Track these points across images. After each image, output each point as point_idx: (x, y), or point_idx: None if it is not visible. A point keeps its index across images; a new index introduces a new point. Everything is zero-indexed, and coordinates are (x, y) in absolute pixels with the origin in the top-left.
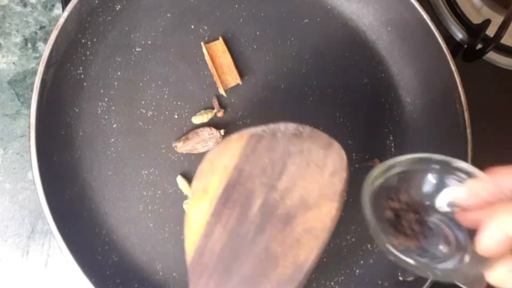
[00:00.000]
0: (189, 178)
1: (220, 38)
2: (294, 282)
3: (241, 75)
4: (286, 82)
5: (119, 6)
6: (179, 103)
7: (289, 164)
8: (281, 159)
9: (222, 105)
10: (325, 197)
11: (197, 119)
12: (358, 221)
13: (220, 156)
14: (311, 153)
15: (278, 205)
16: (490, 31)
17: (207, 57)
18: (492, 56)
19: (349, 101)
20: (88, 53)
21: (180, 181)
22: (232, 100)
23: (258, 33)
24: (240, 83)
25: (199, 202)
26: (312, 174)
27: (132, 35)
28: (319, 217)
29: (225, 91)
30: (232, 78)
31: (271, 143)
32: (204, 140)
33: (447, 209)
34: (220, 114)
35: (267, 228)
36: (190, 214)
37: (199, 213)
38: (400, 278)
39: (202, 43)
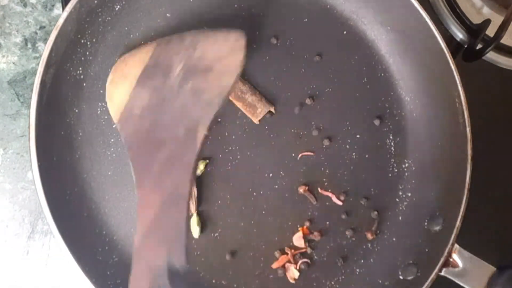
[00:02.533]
0: None
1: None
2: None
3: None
4: (286, 82)
5: (118, 6)
6: None
7: (198, 47)
8: (191, 45)
9: None
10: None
11: None
12: (358, 221)
13: (134, 55)
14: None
15: (197, 64)
16: (490, 31)
17: (231, 99)
18: (492, 56)
19: (349, 100)
20: (87, 53)
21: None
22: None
23: (257, 32)
24: (273, 110)
25: (120, 82)
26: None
27: (132, 35)
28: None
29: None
30: (261, 107)
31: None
32: None
33: None
34: None
35: (190, 78)
36: (110, 92)
37: (121, 89)
38: (401, 277)
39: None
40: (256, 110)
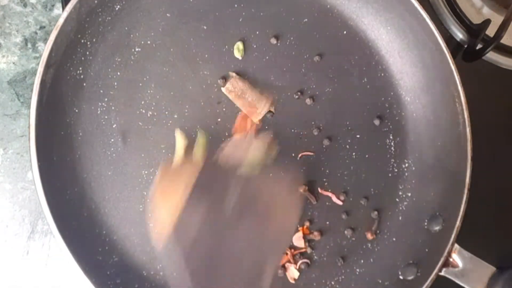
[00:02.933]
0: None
1: (234, 74)
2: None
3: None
4: (286, 82)
5: (118, 6)
6: (179, 103)
7: (252, 181)
8: (243, 179)
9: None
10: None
11: None
12: (358, 221)
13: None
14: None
15: (251, 201)
16: (490, 31)
17: (232, 98)
18: (492, 56)
19: (349, 100)
20: (87, 53)
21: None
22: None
23: (257, 32)
24: (273, 111)
25: (164, 200)
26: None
27: (131, 35)
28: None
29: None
30: (262, 106)
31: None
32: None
33: None
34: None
35: (246, 214)
36: (154, 207)
37: (166, 208)
38: (401, 277)
39: (222, 89)
40: (256, 110)
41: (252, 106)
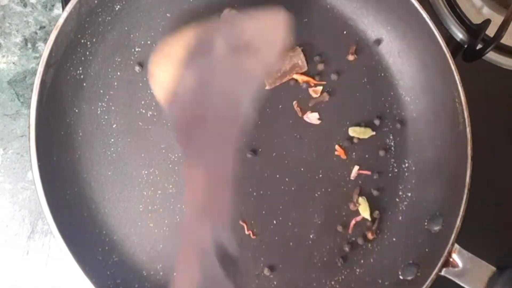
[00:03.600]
0: None
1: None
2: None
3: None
4: (286, 82)
5: (118, 6)
6: None
7: (237, 23)
8: (230, 22)
9: None
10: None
11: None
12: (358, 221)
13: (176, 36)
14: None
15: (237, 40)
16: (490, 31)
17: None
18: (492, 56)
19: (349, 100)
20: (87, 53)
21: None
22: None
23: None
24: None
25: (163, 63)
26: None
27: (131, 35)
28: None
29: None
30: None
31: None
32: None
33: None
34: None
35: (232, 55)
36: (154, 73)
37: (165, 70)
38: (401, 277)
39: None
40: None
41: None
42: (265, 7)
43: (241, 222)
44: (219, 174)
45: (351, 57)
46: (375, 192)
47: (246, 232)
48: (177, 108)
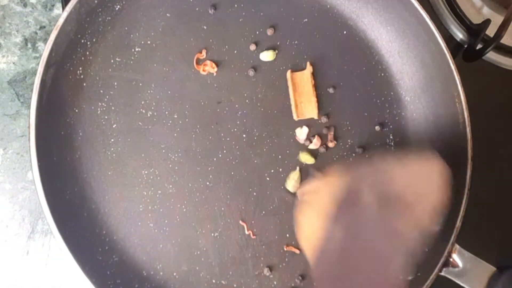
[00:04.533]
0: None
1: (309, 65)
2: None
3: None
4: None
5: (118, 6)
6: (179, 103)
7: (387, 170)
8: (380, 169)
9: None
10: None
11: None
12: None
13: (325, 183)
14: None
15: (387, 191)
16: (490, 31)
17: (289, 84)
18: (492, 56)
19: (349, 101)
20: (87, 53)
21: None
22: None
23: (257, 32)
24: (316, 117)
25: (309, 213)
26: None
27: (132, 35)
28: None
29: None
30: (310, 110)
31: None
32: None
33: None
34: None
35: (383, 210)
36: (300, 222)
37: (312, 220)
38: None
39: (288, 72)
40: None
41: (302, 104)
42: (418, 152)
43: (241, 222)
44: None
45: (351, 57)
46: None
47: (246, 232)
48: (323, 267)
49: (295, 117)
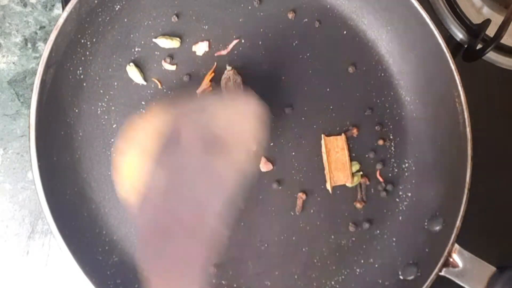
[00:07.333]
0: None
1: (343, 135)
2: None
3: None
4: (285, 81)
5: (118, 6)
6: None
7: (208, 110)
8: (201, 109)
9: None
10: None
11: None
12: (358, 221)
13: (146, 120)
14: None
15: (207, 133)
16: (490, 31)
17: (323, 150)
18: (492, 56)
19: (349, 101)
20: (87, 53)
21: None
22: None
23: (257, 32)
24: (351, 185)
25: (130, 153)
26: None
27: (131, 35)
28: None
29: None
30: (343, 176)
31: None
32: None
33: None
34: None
35: (203, 151)
36: (118, 163)
37: (132, 162)
38: (401, 277)
39: (322, 136)
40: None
41: (336, 170)
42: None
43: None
44: None
45: (350, 57)
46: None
47: (246, 232)
48: (146, 216)
49: (329, 188)
